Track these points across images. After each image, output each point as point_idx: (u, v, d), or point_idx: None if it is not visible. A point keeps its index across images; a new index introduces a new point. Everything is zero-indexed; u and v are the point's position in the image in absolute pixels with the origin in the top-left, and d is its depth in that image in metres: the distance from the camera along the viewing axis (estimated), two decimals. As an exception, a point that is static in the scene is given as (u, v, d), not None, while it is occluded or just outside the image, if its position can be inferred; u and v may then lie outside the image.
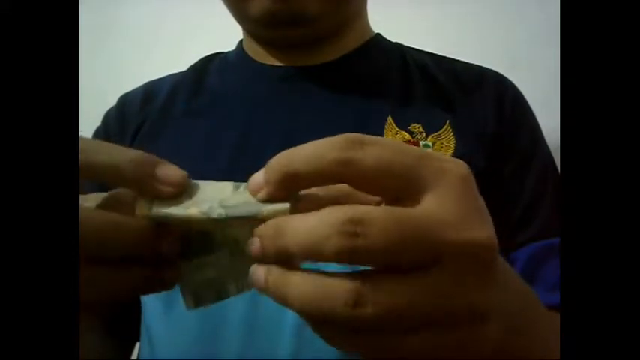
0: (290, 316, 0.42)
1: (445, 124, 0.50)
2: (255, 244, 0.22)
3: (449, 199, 0.21)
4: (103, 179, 0.24)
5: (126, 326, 0.54)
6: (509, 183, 0.50)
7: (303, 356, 0.42)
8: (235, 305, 0.43)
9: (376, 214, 0.20)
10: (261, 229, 0.22)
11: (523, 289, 0.26)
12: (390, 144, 0.22)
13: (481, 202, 0.22)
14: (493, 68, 0.58)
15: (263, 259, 0.22)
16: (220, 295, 0.27)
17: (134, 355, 0.55)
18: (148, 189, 0.24)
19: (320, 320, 0.21)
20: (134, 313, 0.52)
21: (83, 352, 0.23)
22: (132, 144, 0.55)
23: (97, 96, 0.68)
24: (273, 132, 0.50)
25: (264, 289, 0.22)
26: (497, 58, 0.68)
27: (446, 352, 0.21)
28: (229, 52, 0.61)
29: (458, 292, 0.20)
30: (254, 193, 0.23)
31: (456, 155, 0.48)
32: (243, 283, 0.26)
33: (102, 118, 0.60)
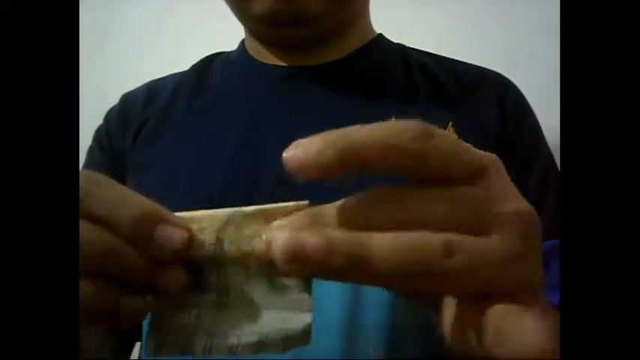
0: None
1: (448, 125, 0.50)
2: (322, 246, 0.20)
3: (496, 180, 0.23)
4: (102, 227, 0.22)
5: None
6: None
7: (303, 355, 0.42)
8: None
9: (465, 243, 0.21)
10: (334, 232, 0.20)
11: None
12: (450, 137, 0.23)
13: (512, 183, 0.24)
14: (493, 68, 0.58)
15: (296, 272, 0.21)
16: (184, 348, 0.24)
17: (134, 355, 0.55)
18: (147, 250, 0.22)
19: (404, 279, 0.21)
20: None
21: (82, 352, 0.23)
22: (134, 143, 0.55)
23: (97, 96, 0.68)
24: (274, 132, 0.50)
25: (326, 256, 0.19)
26: (497, 58, 0.68)
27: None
28: (231, 51, 0.61)
29: (520, 255, 0.22)
30: (296, 166, 0.20)
31: None
32: (212, 345, 0.23)
33: (103, 117, 0.60)
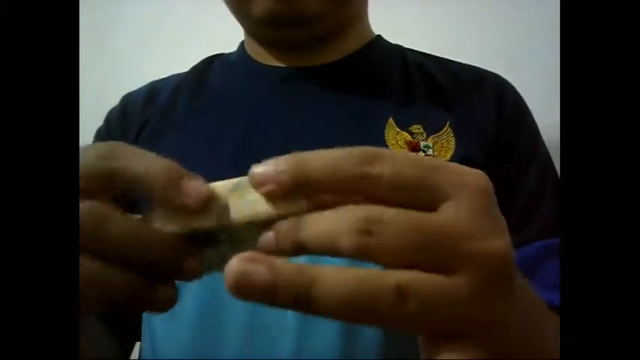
0: (290, 315, 0.42)
1: (445, 125, 0.50)
2: (268, 238, 0.21)
3: (466, 210, 0.21)
4: (131, 186, 0.23)
5: (126, 325, 0.54)
6: (509, 184, 0.50)
7: (303, 355, 0.42)
8: (236, 304, 0.43)
9: (393, 215, 0.20)
10: (281, 223, 0.21)
11: (532, 296, 0.26)
12: (407, 157, 0.21)
13: (498, 213, 0.22)
14: (493, 68, 0.58)
15: (274, 254, 0.21)
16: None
17: (134, 355, 0.55)
18: (174, 202, 0.23)
19: (352, 318, 0.20)
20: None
21: (82, 352, 0.23)
22: (134, 143, 0.55)
23: (97, 96, 0.68)
24: (273, 132, 0.50)
25: (270, 289, 0.19)
26: (497, 58, 0.68)
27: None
28: (231, 53, 0.61)
29: (483, 298, 0.20)
30: (258, 186, 0.22)
31: (456, 156, 0.49)
32: None
33: (104, 117, 0.60)
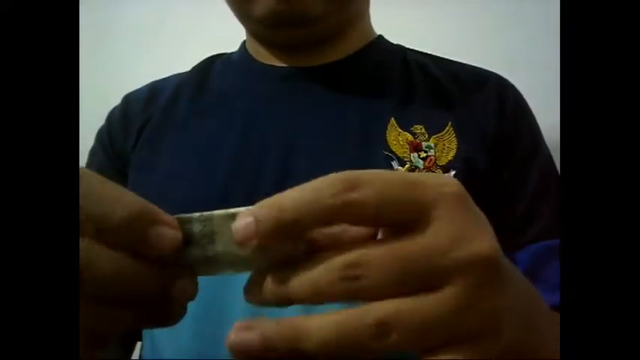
0: (291, 313, 0.42)
1: (447, 125, 0.50)
2: (253, 295, 0.23)
3: (446, 221, 0.21)
4: (92, 228, 0.21)
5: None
6: (511, 184, 0.50)
7: None
8: (237, 302, 0.43)
9: (374, 254, 0.21)
10: (264, 278, 0.22)
11: (527, 287, 0.26)
12: (383, 178, 0.22)
13: (479, 214, 0.23)
14: (493, 68, 0.58)
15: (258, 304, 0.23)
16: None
17: (135, 355, 0.55)
18: (140, 250, 0.22)
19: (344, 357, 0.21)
20: None
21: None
22: (136, 143, 0.55)
23: (97, 96, 0.68)
24: (275, 132, 0.50)
25: (264, 352, 0.21)
26: (497, 58, 0.68)
27: None
28: (232, 52, 0.61)
29: (473, 305, 0.21)
30: (243, 243, 0.21)
31: (458, 156, 0.49)
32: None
33: (104, 117, 0.60)
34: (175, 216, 0.23)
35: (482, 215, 0.23)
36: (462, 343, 0.21)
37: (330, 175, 0.21)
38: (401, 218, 0.21)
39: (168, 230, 0.22)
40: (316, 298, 0.21)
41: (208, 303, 0.44)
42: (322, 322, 0.21)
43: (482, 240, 0.21)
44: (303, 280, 0.21)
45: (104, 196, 0.21)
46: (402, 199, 0.21)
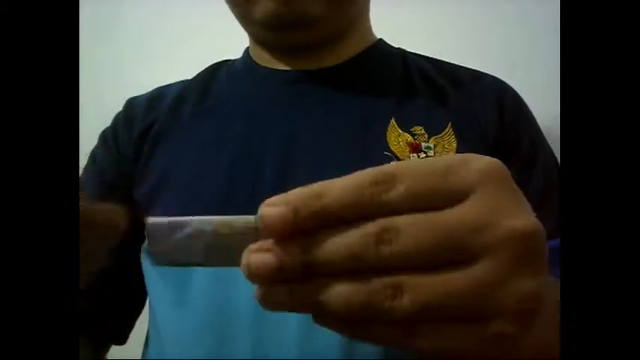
0: (293, 324, 0.43)
1: (447, 127, 0.51)
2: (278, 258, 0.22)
3: (484, 197, 0.21)
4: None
5: (102, 326, 0.54)
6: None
7: (307, 346, 0.43)
8: (244, 296, 0.44)
9: (409, 221, 0.21)
10: (292, 250, 0.22)
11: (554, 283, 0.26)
12: (419, 168, 0.22)
13: (518, 192, 0.23)
14: (493, 68, 0.58)
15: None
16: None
17: (138, 355, 0.55)
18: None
19: (356, 321, 0.22)
20: (111, 313, 0.53)
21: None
22: (139, 146, 0.55)
23: (97, 96, 0.68)
24: (278, 135, 0.51)
25: (287, 305, 0.22)
26: (497, 58, 0.68)
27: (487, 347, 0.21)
28: (236, 59, 0.62)
29: (507, 283, 0.21)
30: (271, 229, 0.22)
31: None
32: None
33: (104, 117, 0.60)
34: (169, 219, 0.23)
35: (521, 195, 0.23)
36: (497, 316, 0.21)
37: (368, 170, 0.22)
38: (434, 203, 0.21)
39: None
40: (348, 262, 0.21)
41: (216, 295, 0.45)
42: (341, 282, 0.21)
43: (521, 218, 0.21)
44: (338, 244, 0.21)
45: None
46: (435, 189, 0.21)
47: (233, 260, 0.22)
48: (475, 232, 0.21)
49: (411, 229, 0.21)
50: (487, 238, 0.21)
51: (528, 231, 0.21)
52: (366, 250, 0.21)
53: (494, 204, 0.21)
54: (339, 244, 0.21)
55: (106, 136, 0.59)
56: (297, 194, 0.22)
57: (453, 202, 0.21)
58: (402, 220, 0.21)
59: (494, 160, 0.22)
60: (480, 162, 0.22)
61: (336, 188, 0.21)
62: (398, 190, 0.21)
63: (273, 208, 0.21)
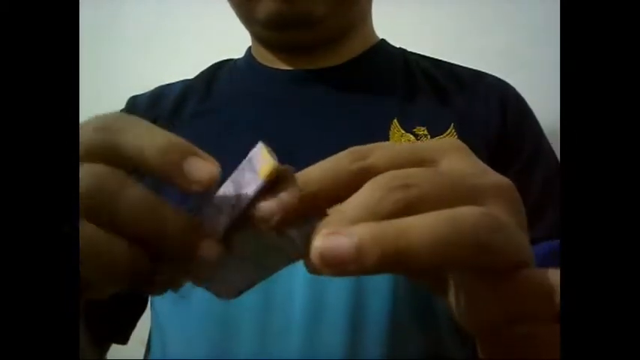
0: (298, 311, 0.43)
1: (449, 127, 0.51)
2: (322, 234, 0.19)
3: (461, 160, 0.22)
4: (127, 163, 0.21)
5: (104, 324, 0.54)
6: (515, 185, 0.50)
7: (311, 349, 0.43)
8: (246, 300, 0.44)
9: (417, 171, 0.21)
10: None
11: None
12: (392, 145, 0.23)
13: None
14: (493, 68, 0.58)
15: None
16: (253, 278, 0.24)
17: (140, 355, 0.55)
18: (175, 183, 0.22)
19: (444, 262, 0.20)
20: (114, 312, 0.53)
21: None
22: None
23: (97, 96, 0.68)
24: (280, 133, 0.51)
25: (364, 258, 0.18)
26: (497, 58, 0.68)
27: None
28: (238, 58, 0.62)
29: (503, 230, 0.20)
30: (264, 221, 0.21)
31: None
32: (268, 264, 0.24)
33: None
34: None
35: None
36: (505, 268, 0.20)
37: (346, 149, 0.23)
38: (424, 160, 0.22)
39: (203, 163, 0.22)
40: (371, 214, 0.20)
41: (221, 311, 0.45)
42: (424, 216, 0.19)
43: (499, 175, 0.22)
44: (360, 201, 0.20)
45: (139, 128, 0.22)
46: (413, 157, 0.22)
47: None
48: (469, 179, 0.21)
49: (429, 177, 0.20)
50: (485, 182, 0.21)
51: (512, 186, 0.22)
52: (393, 194, 0.20)
53: (472, 164, 0.22)
54: (359, 200, 0.20)
55: None
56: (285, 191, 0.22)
57: (432, 164, 0.22)
58: (413, 170, 0.21)
59: (453, 139, 0.24)
60: (441, 140, 0.24)
61: (314, 167, 0.22)
62: (373, 158, 0.22)
63: (266, 205, 0.21)
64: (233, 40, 0.61)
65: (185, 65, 0.63)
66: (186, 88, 0.59)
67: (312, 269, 0.21)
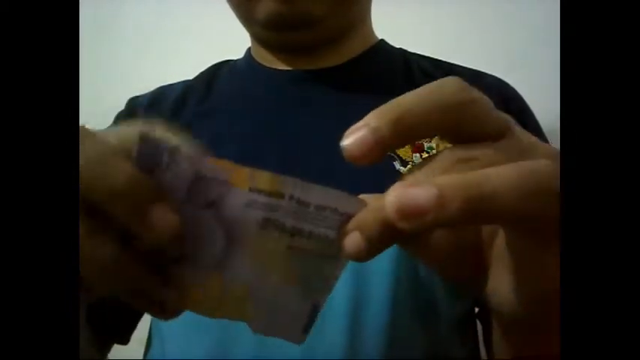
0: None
1: None
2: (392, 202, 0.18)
3: (521, 134, 0.23)
4: (94, 200, 0.20)
5: (107, 324, 0.54)
6: None
7: (310, 352, 0.43)
8: None
9: (480, 149, 0.21)
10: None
11: None
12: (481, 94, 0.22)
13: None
14: (493, 68, 0.58)
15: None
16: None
17: (140, 355, 0.55)
18: (137, 231, 0.20)
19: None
20: (115, 312, 0.53)
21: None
22: None
23: (97, 96, 0.68)
24: (280, 134, 0.51)
25: (445, 207, 0.17)
26: (497, 58, 0.68)
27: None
28: (238, 59, 0.62)
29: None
30: (356, 148, 0.20)
31: None
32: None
33: (103, 117, 0.60)
34: None
35: None
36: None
37: (445, 78, 0.21)
38: (495, 129, 0.22)
39: (167, 216, 0.20)
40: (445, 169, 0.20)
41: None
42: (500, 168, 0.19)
43: (550, 146, 0.23)
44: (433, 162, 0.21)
45: (107, 167, 0.20)
46: (496, 112, 0.22)
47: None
48: (529, 152, 0.21)
49: (489, 153, 0.20)
50: (542, 148, 0.22)
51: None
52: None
53: (529, 137, 0.23)
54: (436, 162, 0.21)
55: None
56: (372, 114, 0.21)
57: (499, 134, 0.22)
58: (476, 147, 0.21)
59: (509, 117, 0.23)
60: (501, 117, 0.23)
61: (410, 94, 0.21)
62: (477, 93, 0.22)
63: (354, 135, 0.20)
64: (233, 40, 0.61)
65: (185, 65, 0.63)
66: (185, 89, 0.59)
67: (348, 254, 0.20)
